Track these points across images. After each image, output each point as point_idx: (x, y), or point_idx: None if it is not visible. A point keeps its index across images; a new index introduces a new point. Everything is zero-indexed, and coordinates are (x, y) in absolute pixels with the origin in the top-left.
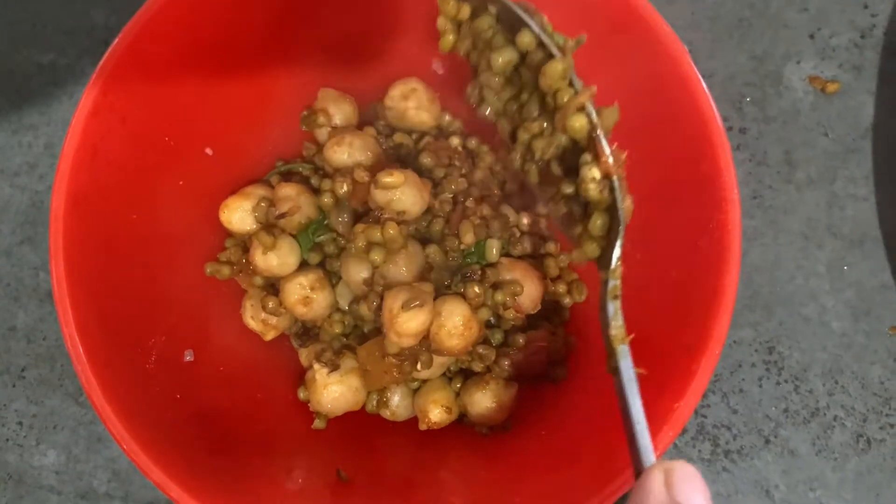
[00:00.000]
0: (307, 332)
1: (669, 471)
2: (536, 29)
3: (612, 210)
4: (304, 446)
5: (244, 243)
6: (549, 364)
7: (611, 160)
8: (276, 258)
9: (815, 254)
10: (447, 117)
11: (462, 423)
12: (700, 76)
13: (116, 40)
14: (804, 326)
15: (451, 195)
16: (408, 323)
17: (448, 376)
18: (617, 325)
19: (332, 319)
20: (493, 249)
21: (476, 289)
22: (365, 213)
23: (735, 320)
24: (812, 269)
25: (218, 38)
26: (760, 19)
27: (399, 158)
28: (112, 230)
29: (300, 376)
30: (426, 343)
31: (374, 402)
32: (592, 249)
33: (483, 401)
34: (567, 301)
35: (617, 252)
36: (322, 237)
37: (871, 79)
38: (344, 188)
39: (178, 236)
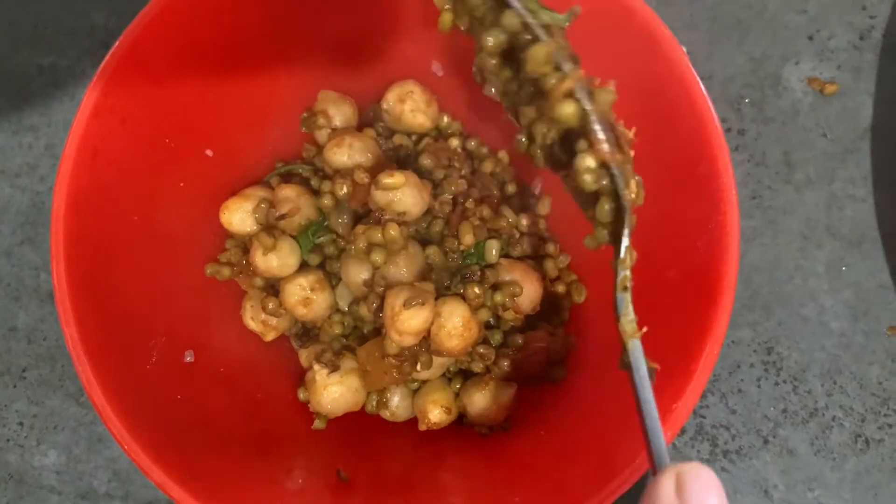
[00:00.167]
0: (307, 332)
1: (682, 474)
2: (519, 8)
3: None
4: (304, 447)
5: (244, 244)
6: (549, 364)
7: (606, 147)
8: (277, 259)
9: (814, 254)
10: (446, 119)
11: (461, 423)
12: (698, 77)
13: (117, 42)
14: (803, 327)
15: (451, 196)
16: (409, 321)
17: (447, 377)
18: (627, 319)
19: (332, 320)
20: (493, 250)
21: (476, 290)
22: (365, 215)
23: (734, 320)
24: (811, 270)
25: (218, 41)
26: (759, 21)
27: (399, 160)
28: (113, 231)
29: (300, 377)
30: (426, 343)
31: (374, 403)
32: (603, 235)
33: (482, 401)
34: (566, 302)
35: (625, 241)
36: (322, 238)
37: (870, 80)
38: (344, 189)
39: (179, 237)
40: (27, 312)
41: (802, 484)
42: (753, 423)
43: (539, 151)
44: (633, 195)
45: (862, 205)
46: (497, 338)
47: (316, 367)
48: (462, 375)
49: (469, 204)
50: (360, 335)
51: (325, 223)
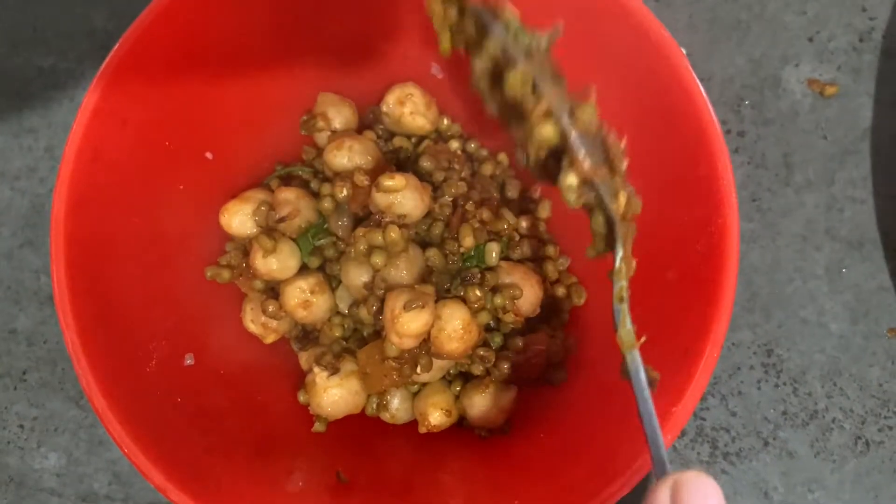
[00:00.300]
0: (307, 335)
1: (679, 483)
2: (498, 34)
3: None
4: (303, 449)
5: (244, 247)
6: (549, 367)
7: (587, 164)
8: (276, 262)
9: (814, 256)
10: (446, 121)
11: (461, 425)
12: (698, 79)
13: (117, 44)
14: (803, 328)
15: (451, 199)
16: (409, 324)
17: (448, 379)
18: (625, 330)
19: (332, 323)
20: (493, 253)
21: (476, 292)
22: (365, 217)
23: (733, 322)
24: (810, 272)
25: (218, 43)
26: (758, 22)
27: (398, 162)
28: (112, 234)
29: (300, 379)
30: (426, 346)
31: (374, 406)
32: (601, 246)
33: (482, 404)
34: (566, 304)
35: (619, 253)
36: (322, 241)
37: (870, 81)
38: (344, 192)
39: (179, 240)
40: (27, 315)
41: (802, 486)
42: (753, 425)
43: (534, 167)
44: (621, 208)
45: (862, 206)
46: (497, 340)
47: (316, 369)
48: (462, 378)
49: (469, 206)
50: (360, 338)
51: (325, 226)
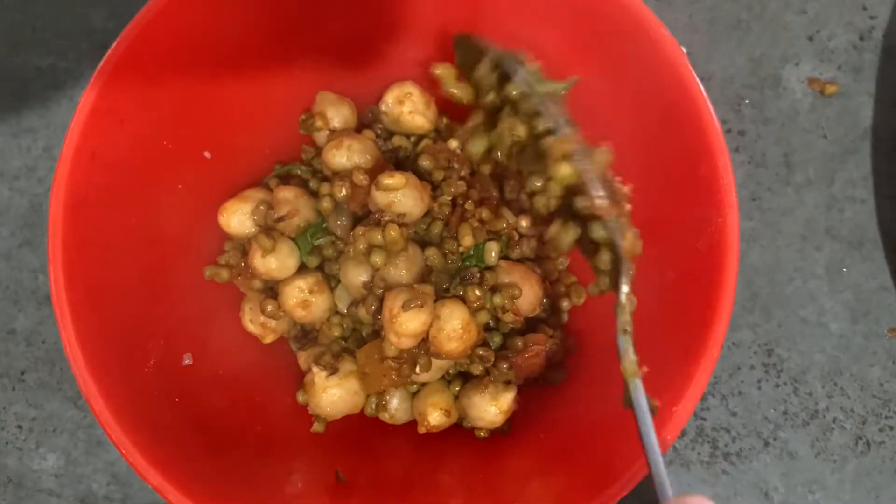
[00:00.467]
0: (306, 335)
1: None
2: (520, 80)
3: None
4: (302, 449)
5: (243, 246)
6: (548, 367)
7: (601, 203)
8: (275, 261)
9: (814, 256)
10: (445, 120)
11: (461, 425)
12: (698, 78)
13: (115, 43)
14: (803, 328)
15: (450, 198)
16: (408, 323)
17: (447, 379)
18: (628, 360)
19: (331, 322)
20: (492, 252)
21: (475, 292)
22: (363, 217)
23: (734, 322)
24: (811, 271)
25: (216, 42)
26: (759, 21)
27: (398, 161)
28: (111, 233)
29: (299, 379)
30: (425, 346)
31: (374, 406)
32: (604, 283)
33: (482, 404)
34: (566, 304)
35: (624, 289)
36: (321, 240)
37: (870, 80)
38: (343, 191)
39: (177, 239)
40: (26, 315)
41: (803, 486)
42: (754, 425)
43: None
44: (629, 245)
45: (862, 206)
46: (496, 340)
47: (315, 369)
48: (461, 378)
49: (468, 205)
50: (360, 337)
51: (324, 225)
